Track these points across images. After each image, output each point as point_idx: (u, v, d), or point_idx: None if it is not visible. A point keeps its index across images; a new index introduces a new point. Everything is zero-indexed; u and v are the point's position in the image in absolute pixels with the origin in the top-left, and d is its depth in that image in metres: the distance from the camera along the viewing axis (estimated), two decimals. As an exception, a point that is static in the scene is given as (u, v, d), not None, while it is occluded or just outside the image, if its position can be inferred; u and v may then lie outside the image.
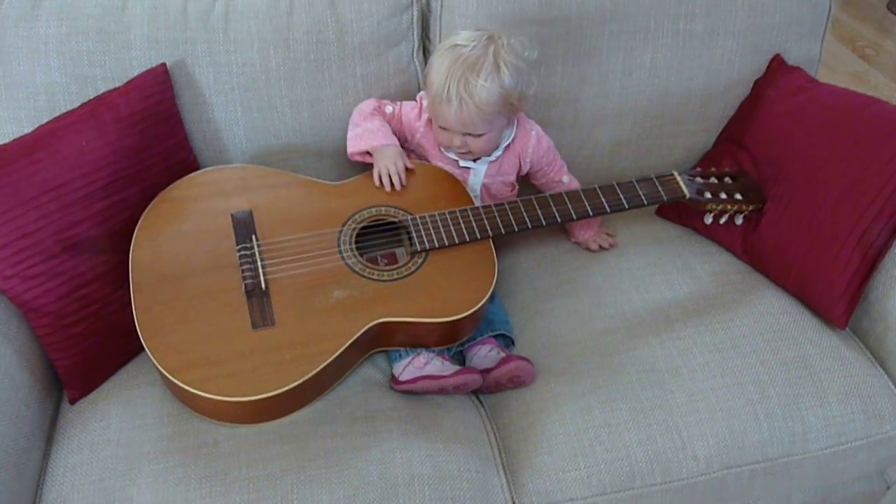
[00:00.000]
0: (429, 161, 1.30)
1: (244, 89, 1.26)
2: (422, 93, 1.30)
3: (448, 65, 1.14)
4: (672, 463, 1.13)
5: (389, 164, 1.22)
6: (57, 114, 1.15)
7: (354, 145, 1.25)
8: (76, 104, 1.17)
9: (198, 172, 1.23)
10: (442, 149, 1.28)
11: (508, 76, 1.15)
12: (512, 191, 1.35)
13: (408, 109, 1.29)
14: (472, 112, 1.14)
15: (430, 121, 1.26)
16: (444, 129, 1.21)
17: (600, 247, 1.40)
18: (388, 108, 1.28)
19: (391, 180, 1.22)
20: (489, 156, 1.28)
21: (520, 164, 1.32)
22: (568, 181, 1.38)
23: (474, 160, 1.28)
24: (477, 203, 1.24)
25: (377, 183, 1.23)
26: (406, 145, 1.31)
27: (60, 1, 1.20)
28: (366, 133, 1.24)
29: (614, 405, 1.16)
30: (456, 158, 1.28)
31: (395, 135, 1.28)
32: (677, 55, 1.39)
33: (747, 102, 1.45)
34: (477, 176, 1.30)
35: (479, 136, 1.20)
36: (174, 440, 1.07)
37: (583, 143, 1.45)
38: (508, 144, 1.29)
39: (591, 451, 1.12)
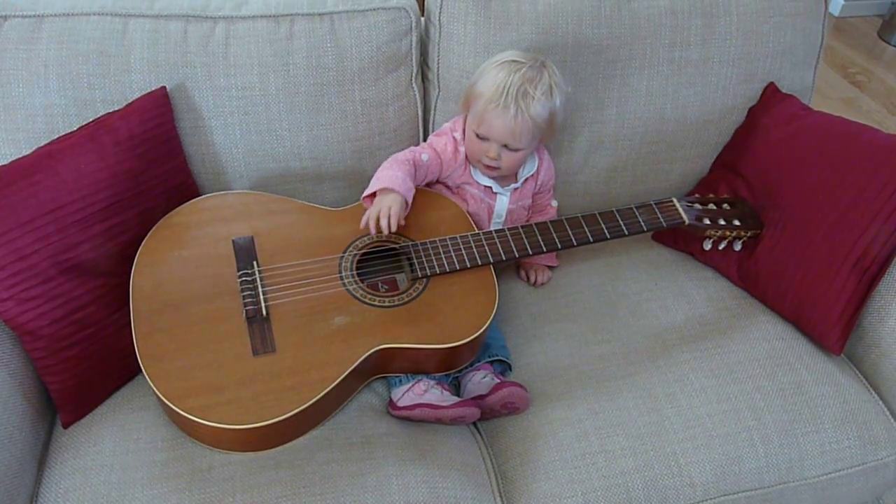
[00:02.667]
0: (466, 193, 1.31)
1: (243, 113, 1.27)
2: (448, 125, 1.31)
3: (506, 75, 1.18)
4: (669, 490, 1.12)
5: (383, 206, 1.15)
6: (55, 136, 1.15)
7: (370, 187, 1.19)
8: (75, 127, 1.17)
9: (199, 198, 1.23)
10: (474, 173, 1.29)
11: (559, 98, 1.21)
12: (527, 213, 1.38)
13: (442, 148, 1.28)
14: (526, 123, 1.18)
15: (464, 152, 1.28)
16: (484, 138, 1.22)
17: (537, 279, 1.40)
18: (424, 157, 1.26)
19: (378, 222, 1.15)
20: (513, 179, 1.32)
21: (534, 185, 1.36)
22: (556, 205, 1.42)
23: (500, 183, 1.30)
24: (498, 227, 1.26)
25: (362, 225, 1.16)
26: (444, 181, 1.32)
27: (61, 24, 1.20)
28: (380, 180, 1.18)
29: (611, 431, 1.16)
30: (489, 185, 1.30)
31: (435, 172, 1.29)
32: (672, 83, 1.41)
33: (742, 130, 1.47)
34: (503, 203, 1.32)
35: (516, 151, 1.23)
36: (168, 465, 1.06)
37: (579, 168, 1.46)
38: (527, 178, 1.33)
39: (588, 478, 1.12)
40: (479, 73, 1.23)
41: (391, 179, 1.18)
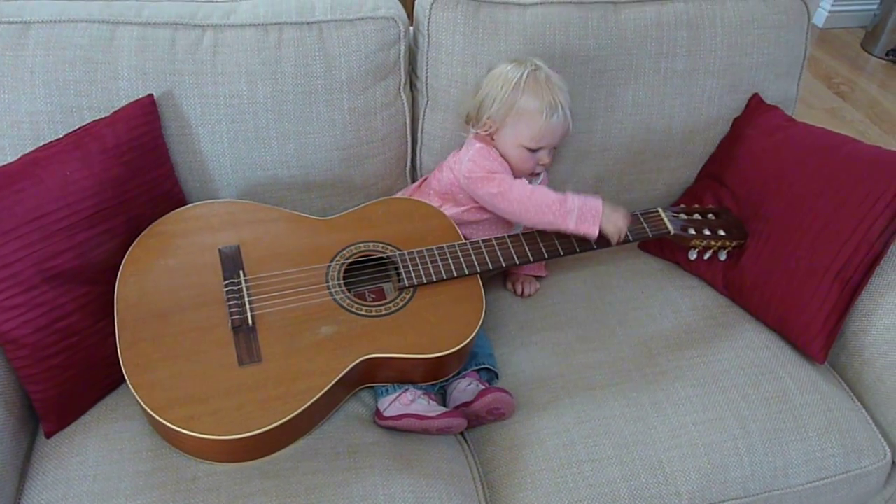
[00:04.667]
0: None
1: (231, 121, 1.26)
2: (491, 155, 1.27)
3: (544, 86, 1.23)
4: (655, 499, 1.13)
5: (621, 223, 1.24)
6: (41, 143, 1.15)
7: (592, 224, 1.21)
8: (61, 134, 1.16)
9: (186, 207, 1.23)
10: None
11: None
12: None
13: (503, 168, 1.27)
14: (569, 115, 1.26)
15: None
16: (537, 149, 1.25)
17: (524, 290, 1.40)
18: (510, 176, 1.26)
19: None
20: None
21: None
22: None
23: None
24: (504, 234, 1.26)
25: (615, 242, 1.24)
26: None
27: (48, 30, 1.20)
28: (584, 208, 1.21)
29: (598, 440, 1.16)
30: None
31: None
32: (659, 93, 1.42)
33: (727, 140, 1.48)
34: None
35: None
36: (152, 476, 1.05)
37: (566, 177, 1.46)
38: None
39: (575, 487, 1.12)
40: (506, 100, 1.23)
41: (587, 203, 1.22)
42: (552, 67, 1.33)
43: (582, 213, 1.21)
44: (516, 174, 1.28)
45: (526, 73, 1.23)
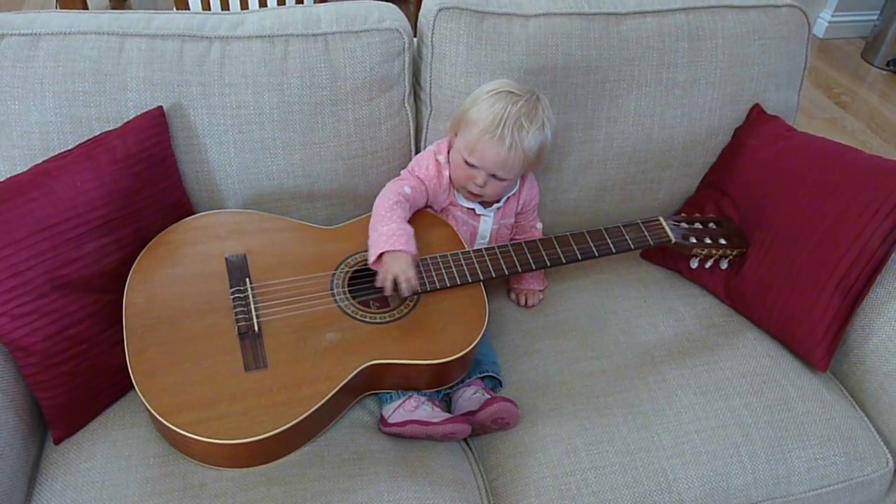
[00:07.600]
0: (450, 216, 1.31)
1: (238, 131, 1.28)
2: (431, 148, 1.31)
3: (503, 107, 1.18)
4: (658, 506, 1.13)
5: (399, 271, 1.14)
6: (51, 154, 1.16)
7: (373, 252, 1.16)
8: (70, 144, 1.18)
9: (193, 217, 1.24)
10: (457, 196, 1.30)
11: (549, 132, 1.23)
12: (510, 232, 1.39)
13: (425, 174, 1.28)
14: (518, 155, 1.19)
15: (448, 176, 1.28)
16: (472, 166, 1.21)
17: (527, 301, 1.41)
18: (407, 189, 1.24)
19: (398, 285, 1.14)
20: (495, 199, 1.31)
21: (516, 204, 1.35)
22: (540, 227, 1.42)
23: (482, 205, 1.31)
24: (480, 246, 1.27)
25: (382, 286, 1.15)
26: (430, 205, 1.31)
27: (58, 42, 1.22)
28: (381, 238, 1.16)
29: (601, 447, 1.17)
30: (472, 207, 1.30)
31: (422, 201, 1.28)
32: (660, 103, 1.43)
33: (728, 150, 1.49)
34: (487, 224, 1.32)
35: (503, 180, 1.23)
36: (160, 482, 1.06)
37: (568, 186, 1.48)
38: (509, 196, 1.33)
39: (579, 495, 1.12)
40: (471, 101, 1.23)
41: (394, 238, 1.15)
42: (554, 80, 1.35)
43: (377, 240, 1.16)
44: (455, 185, 1.28)
45: (499, 90, 1.20)
